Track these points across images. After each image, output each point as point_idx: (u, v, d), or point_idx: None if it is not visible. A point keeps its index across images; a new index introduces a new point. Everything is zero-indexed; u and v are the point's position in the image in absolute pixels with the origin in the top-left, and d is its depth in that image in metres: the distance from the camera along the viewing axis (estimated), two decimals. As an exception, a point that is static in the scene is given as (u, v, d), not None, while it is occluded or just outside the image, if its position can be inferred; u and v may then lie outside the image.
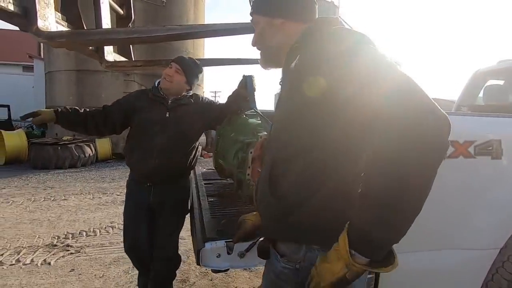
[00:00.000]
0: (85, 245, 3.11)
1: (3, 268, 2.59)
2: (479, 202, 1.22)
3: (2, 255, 2.83)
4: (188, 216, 1.94)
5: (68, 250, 2.96)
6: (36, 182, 6.15)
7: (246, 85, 1.55)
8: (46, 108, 8.67)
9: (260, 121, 1.71)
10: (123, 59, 2.17)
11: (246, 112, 1.87)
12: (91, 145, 8.53)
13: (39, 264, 2.67)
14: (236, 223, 1.03)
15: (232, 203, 1.70)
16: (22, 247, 3.02)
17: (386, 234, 0.62)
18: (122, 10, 2.26)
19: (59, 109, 1.69)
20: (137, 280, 2.02)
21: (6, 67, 19.79)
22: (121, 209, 4.30)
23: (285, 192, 0.78)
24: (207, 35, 1.46)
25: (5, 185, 5.82)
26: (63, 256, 2.83)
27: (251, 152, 1.38)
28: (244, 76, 1.62)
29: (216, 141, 1.91)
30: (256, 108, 1.72)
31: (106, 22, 1.89)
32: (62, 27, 1.49)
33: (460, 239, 1.21)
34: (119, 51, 2.25)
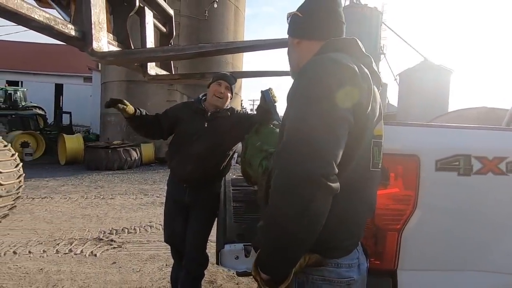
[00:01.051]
0: (126, 241, 3.39)
1: (58, 256, 2.94)
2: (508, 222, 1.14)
3: (58, 244, 3.21)
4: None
5: (112, 245, 3.26)
6: (89, 182, 6.84)
7: (265, 99, 1.63)
8: (101, 114, 9.57)
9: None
10: (164, 72, 2.39)
11: (273, 123, 1.94)
12: (137, 149, 9.24)
13: (87, 255, 2.98)
14: (255, 228, 1.10)
15: (255, 209, 1.76)
16: (74, 238, 3.39)
17: (275, 262, 0.74)
18: (165, 28, 2.51)
19: (137, 109, 1.94)
20: (169, 277, 2.17)
21: (70, 78, 22.28)
22: (159, 210, 4.63)
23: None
24: (233, 51, 1.57)
25: (64, 183, 6.56)
26: (107, 250, 3.13)
27: (274, 161, 1.44)
28: (261, 91, 1.71)
29: (243, 149, 2.01)
30: (279, 120, 1.78)
31: (150, 40, 2.12)
32: (113, 47, 1.71)
33: (489, 261, 1.13)
34: (161, 65, 2.48)
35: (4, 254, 2.94)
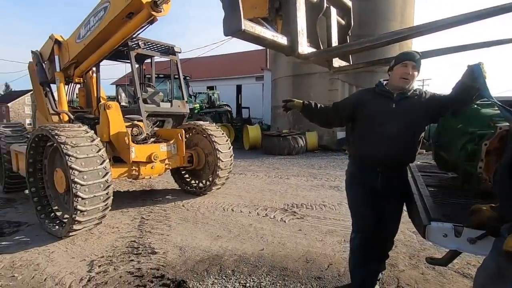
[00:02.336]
0: (306, 214, 3.94)
1: (259, 217, 3.84)
2: None
3: (257, 208, 4.17)
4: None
5: (295, 215, 3.89)
6: (268, 164, 8.21)
7: (474, 74, 1.47)
8: (272, 107, 11.11)
9: (497, 111, 1.55)
10: (344, 63, 2.59)
11: (477, 102, 1.73)
12: (303, 137, 10.13)
13: (278, 220, 3.72)
14: (466, 211, 1.11)
15: (454, 195, 1.67)
16: (267, 206, 4.28)
17: None
18: (343, 20, 2.68)
19: (305, 102, 2.22)
20: (349, 255, 2.19)
21: (246, 79, 26.96)
22: (330, 192, 5.00)
23: None
24: (433, 31, 1.50)
25: (250, 163, 8.21)
26: (292, 219, 3.77)
27: (485, 144, 1.33)
28: (469, 66, 1.54)
29: (437, 133, 1.90)
30: (491, 97, 1.58)
31: (335, 35, 2.37)
32: (310, 49, 2.06)
33: None
34: (340, 57, 2.69)
35: (226, 210, 4.14)
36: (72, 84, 5.43)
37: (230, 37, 1.65)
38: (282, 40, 1.87)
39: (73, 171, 2.81)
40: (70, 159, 2.83)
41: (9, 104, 47.88)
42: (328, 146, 10.93)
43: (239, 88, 27.78)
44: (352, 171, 2.11)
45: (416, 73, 1.87)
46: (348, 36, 2.75)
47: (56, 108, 4.97)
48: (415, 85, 2.03)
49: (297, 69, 12.07)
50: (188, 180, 5.25)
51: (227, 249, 2.91)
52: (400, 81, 1.89)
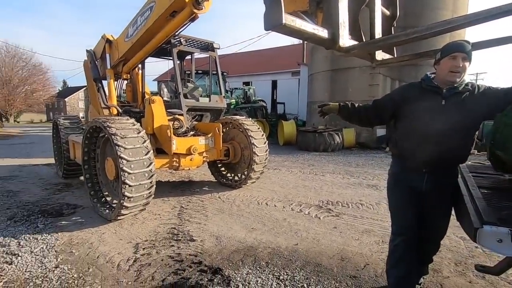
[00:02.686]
0: (342, 212, 3.85)
1: (293, 212, 3.84)
2: None
3: (291, 204, 4.17)
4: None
5: (330, 213, 3.82)
6: (302, 160, 8.13)
7: None
8: (308, 102, 10.98)
9: None
10: (388, 56, 2.46)
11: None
12: (339, 134, 9.85)
13: (313, 216, 3.69)
14: None
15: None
16: (301, 202, 4.26)
17: None
18: (388, 11, 2.55)
19: (341, 104, 2.21)
20: (387, 256, 2.07)
21: (281, 74, 26.75)
22: (367, 191, 4.83)
23: None
24: (489, 19, 1.36)
25: (285, 159, 8.19)
26: (327, 216, 3.71)
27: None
28: None
29: (494, 130, 1.74)
30: None
31: (379, 26, 2.26)
32: (352, 41, 2.00)
33: None
34: (384, 50, 2.57)
35: (260, 204, 4.20)
36: (120, 80, 5.83)
37: (269, 31, 1.66)
38: (323, 33, 1.83)
39: (122, 160, 3.05)
40: (120, 149, 3.07)
41: (66, 99, 52.95)
42: (367, 144, 10.50)
43: (274, 84, 27.80)
44: (395, 171, 2.01)
45: (467, 64, 1.71)
46: (393, 28, 2.62)
47: (107, 102, 5.41)
48: (467, 78, 1.86)
49: (335, 63, 11.70)
50: (224, 173, 5.41)
51: (261, 242, 2.97)
52: (449, 75, 1.73)
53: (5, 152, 9.51)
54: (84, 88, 55.00)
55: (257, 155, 4.64)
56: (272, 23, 1.44)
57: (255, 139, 4.67)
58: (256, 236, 3.09)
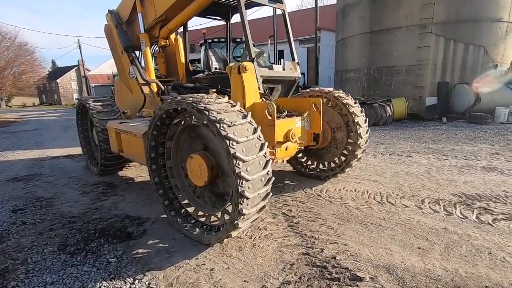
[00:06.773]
0: (504, 212, 2.85)
1: (441, 216, 2.82)
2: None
3: (422, 202, 3.16)
4: None
5: (492, 214, 2.81)
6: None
7: None
8: (336, 71, 9.57)
9: None
10: None
11: None
12: (390, 105, 8.71)
13: (477, 221, 2.68)
14: None
15: None
16: (432, 198, 3.24)
17: None
18: None
19: None
20: None
21: (299, 42, 24.59)
22: (490, 176, 3.80)
23: None
24: None
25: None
26: (496, 219, 2.71)
27: None
28: None
29: None
30: None
31: None
32: None
33: None
34: None
35: (382, 203, 3.18)
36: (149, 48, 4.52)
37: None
38: None
39: (238, 161, 1.95)
40: (232, 143, 1.96)
41: (57, 80, 50.31)
42: (418, 114, 9.41)
43: (280, 54, 25.89)
44: None
45: None
46: None
47: (145, 77, 4.20)
48: None
49: (375, 23, 10.26)
50: (302, 160, 4.34)
51: (458, 275, 1.97)
52: None
53: (12, 143, 8.28)
54: (75, 67, 51.96)
55: (362, 137, 3.57)
56: None
57: (358, 116, 3.56)
58: (441, 264, 2.09)
